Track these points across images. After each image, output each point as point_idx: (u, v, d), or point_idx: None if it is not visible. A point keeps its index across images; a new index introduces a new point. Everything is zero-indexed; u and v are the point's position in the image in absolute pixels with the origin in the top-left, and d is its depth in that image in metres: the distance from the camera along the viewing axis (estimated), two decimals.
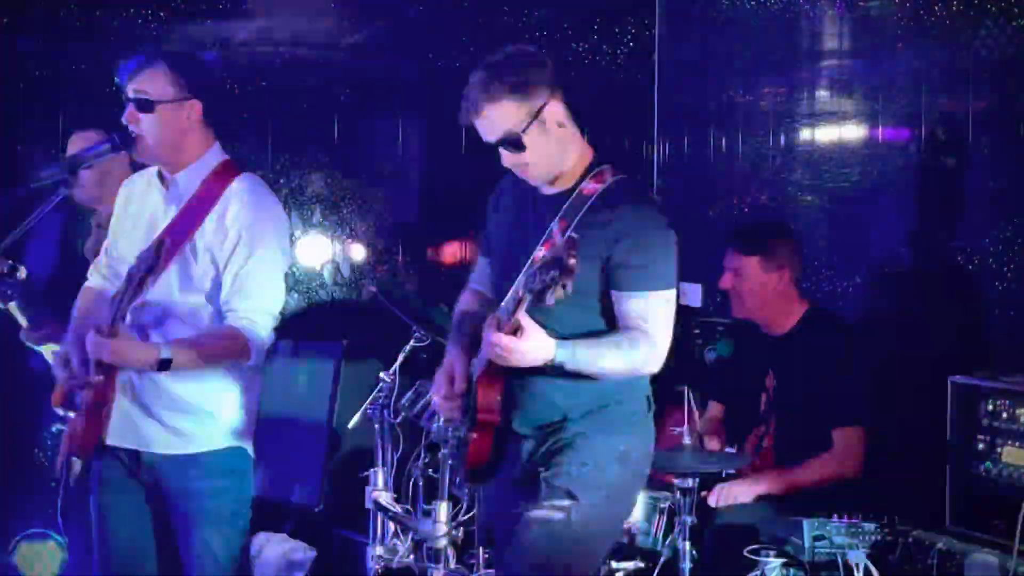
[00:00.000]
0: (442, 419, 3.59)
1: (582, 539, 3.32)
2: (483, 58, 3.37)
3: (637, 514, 4.18)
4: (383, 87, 6.14)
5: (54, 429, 3.85)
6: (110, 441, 3.67)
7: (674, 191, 5.89)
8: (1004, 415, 3.81)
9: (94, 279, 3.90)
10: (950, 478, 3.92)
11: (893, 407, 4.44)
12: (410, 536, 4.28)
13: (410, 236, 6.20)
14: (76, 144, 4.59)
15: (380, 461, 4.50)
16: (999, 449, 3.80)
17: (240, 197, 3.65)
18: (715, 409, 4.75)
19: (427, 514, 4.15)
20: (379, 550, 4.41)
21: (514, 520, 3.37)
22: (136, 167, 3.95)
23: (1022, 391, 3.78)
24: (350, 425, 4.64)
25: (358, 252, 6.07)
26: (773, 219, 4.92)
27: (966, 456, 3.88)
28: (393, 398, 4.48)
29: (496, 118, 3.31)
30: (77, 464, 3.64)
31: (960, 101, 4.60)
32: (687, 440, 4.13)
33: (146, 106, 3.60)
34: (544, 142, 3.33)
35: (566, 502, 3.30)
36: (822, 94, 5.27)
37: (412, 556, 4.30)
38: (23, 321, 4.51)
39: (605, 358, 3.29)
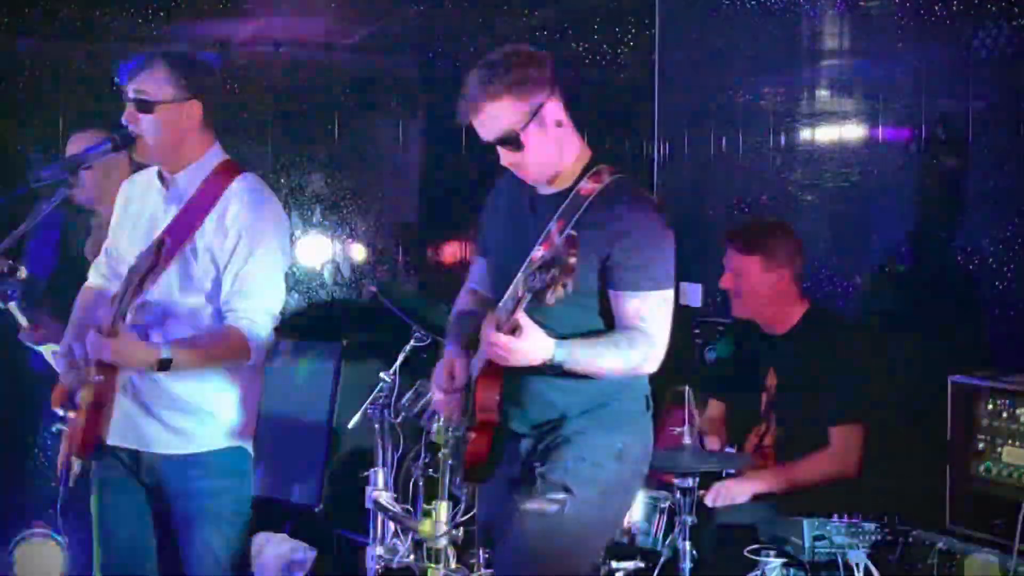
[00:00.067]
0: (442, 418, 3.59)
1: (576, 533, 3.32)
2: (482, 57, 3.37)
3: (637, 514, 4.18)
4: (383, 87, 6.14)
5: (54, 429, 3.85)
6: (110, 441, 3.67)
7: (674, 191, 5.89)
8: (1004, 415, 3.81)
9: (94, 279, 3.90)
10: (950, 478, 3.92)
11: (893, 407, 4.44)
12: (410, 536, 4.28)
13: (410, 236, 6.20)
14: (76, 144, 4.58)
15: (380, 461, 4.50)
16: (999, 449, 3.80)
17: (240, 197, 3.65)
18: (716, 408, 4.75)
19: (427, 514, 4.15)
20: (379, 550, 4.40)
21: (511, 520, 3.37)
22: (136, 167, 3.94)
23: (1022, 391, 3.78)
24: (350, 425, 4.64)
25: (358, 252, 6.07)
26: (774, 219, 4.91)
27: (966, 456, 3.88)
28: (393, 398, 4.48)
29: (495, 116, 3.31)
30: (77, 464, 3.64)
31: (960, 101, 4.60)
32: (687, 440, 4.13)
33: (146, 106, 3.60)
34: (543, 141, 3.34)
35: (561, 495, 3.30)
36: (822, 94, 5.27)
37: (412, 556, 4.30)
38: (23, 321, 4.51)
39: (604, 357, 3.29)
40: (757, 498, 4.29)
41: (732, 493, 4.26)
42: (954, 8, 4.57)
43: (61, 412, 3.87)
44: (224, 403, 3.67)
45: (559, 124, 3.36)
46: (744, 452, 4.49)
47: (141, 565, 3.72)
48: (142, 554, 3.73)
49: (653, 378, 3.46)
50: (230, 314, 3.61)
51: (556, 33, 6.05)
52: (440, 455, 3.84)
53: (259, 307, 3.62)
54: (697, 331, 5.38)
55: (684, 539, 3.96)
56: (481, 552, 3.96)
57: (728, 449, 4.52)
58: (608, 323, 3.35)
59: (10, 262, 4.24)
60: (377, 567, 4.38)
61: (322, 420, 5.26)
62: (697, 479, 4.01)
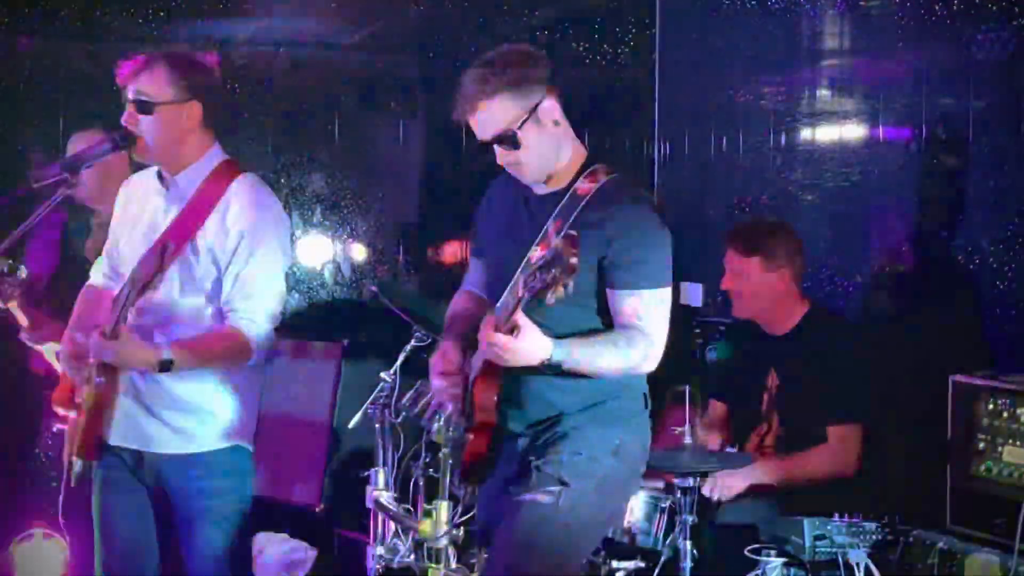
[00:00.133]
0: (441, 413, 3.58)
1: (570, 525, 3.32)
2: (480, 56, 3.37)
3: (637, 513, 4.18)
4: (383, 87, 6.14)
5: (55, 429, 3.85)
6: (112, 441, 3.67)
7: (674, 191, 5.89)
8: (1005, 414, 3.81)
9: (95, 278, 3.90)
10: (951, 477, 3.92)
11: (894, 406, 4.44)
12: (411, 536, 4.28)
13: (410, 236, 6.20)
14: (76, 144, 4.59)
15: (381, 461, 4.50)
16: (1000, 448, 3.80)
17: (241, 197, 3.65)
18: (718, 408, 4.74)
19: (427, 514, 4.15)
20: (380, 550, 4.40)
21: (506, 514, 3.37)
22: (136, 167, 3.94)
23: (1023, 390, 3.78)
24: (351, 425, 4.64)
25: (358, 252, 6.07)
26: (774, 219, 4.91)
27: (967, 455, 3.88)
28: (394, 398, 4.48)
29: (492, 115, 3.31)
30: (78, 464, 3.64)
31: (961, 100, 4.60)
32: (687, 440, 4.13)
33: (146, 107, 3.60)
34: (540, 140, 3.34)
35: (556, 488, 3.30)
36: (823, 93, 5.27)
37: (413, 556, 4.30)
38: (23, 321, 4.50)
39: (602, 357, 3.29)
40: (756, 493, 4.29)
41: (729, 484, 4.25)
42: (954, 8, 4.57)
43: (61, 412, 3.88)
44: (225, 403, 3.67)
45: (556, 123, 3.36)
46: (745, 452, 4.48)
47: (142, 565, 3.73)
48: (143, 554, 3.73)
49: (653, 378, 3.46)
50: (231, 314, 3.61)
51: (556, 33, 6.05)
52: (440, 455, 3.84)
53: (260, 307, 3.62)
54: (698, 331, 5.38)
55: (685, 539, 3.96)
56: (481, 552, 3.96)
57: (729, 449, 4.52)
58: (606, 322, 3.36)
59: (10, 262, 4.25)
60: (377, 567, 4.38)
61: (323, 420, 5.25)
62: (698, 479, 4.01)
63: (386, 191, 6.20)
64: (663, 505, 4.17)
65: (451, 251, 6.16)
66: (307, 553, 5.21)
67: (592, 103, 5.91)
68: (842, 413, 4.30)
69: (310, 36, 6.08)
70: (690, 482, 3.97)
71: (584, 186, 3.36)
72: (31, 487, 5.22)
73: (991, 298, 4.46)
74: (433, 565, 3.97)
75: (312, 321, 5.88)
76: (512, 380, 3.34)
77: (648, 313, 3.31)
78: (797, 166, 5.28)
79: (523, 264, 3.29)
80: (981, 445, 3.84)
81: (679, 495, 3.99)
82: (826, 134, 5.19)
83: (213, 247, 3.62)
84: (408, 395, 4.43)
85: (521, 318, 3.15)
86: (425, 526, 3.96)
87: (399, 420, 4.48)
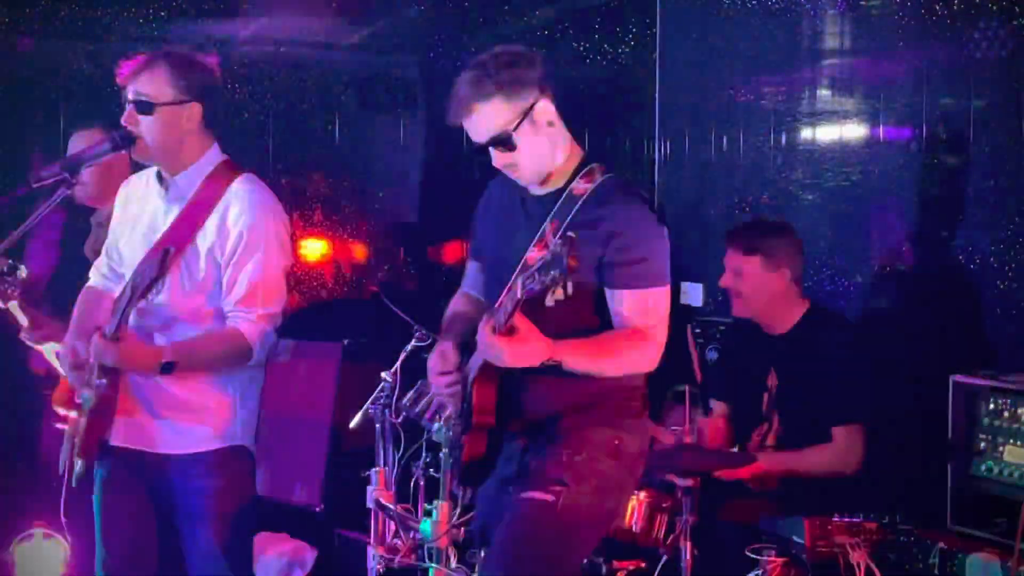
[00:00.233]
0: (443, 414, 3.58)
1: (568, 525, 3.32)
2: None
3: (638, 513, 4.18)
4: (383, 87, 6.14)
5: (55, 428, 3.85)
6: (113, 441, 3.67)
7: (675, 191, 5.89)
8: (1005, 414, 3.81)
9: (95, 279, 3.90)
10: (951, 477, 3.93)
11: (894, 406, 4.44)
12: (411, 536, 4.27)
13: (410, 236, 6.19)
14: (76, 144, 4.58)
15: (381, 461, 4.50)
16: (1000, 448, 3.81)
17: (241, 198, 3.65)
18: (720, 409, 4.74)
19: (428, 514, 4.15)
20: (380, 550, 4.40)
21: (504, 514, 3.37)
22: (136, 166, 3.94)
23: (1023, 390, 3.78)
24: (351, 425, 4.64)
25: (358, 252, 6.07)
26: (774, 218, 4.91)
27: (967, 455, 3.88)
28: (394, 398, 4.48)
29: (486, 117, 3.30)
30: (80, 464, 3.64)
31: (961, 100, 4.60)
32: (688, 440, 4.13)
33: (146, 108, 3.59)
34: (535, 141, 3.32)
35: (556, 487, 3.30)
36: (823, 93, 5.27)
37: (413, 556, 4.29)
38: (23, 321, 4.50)
39: (601, 357, 3.29)
40: (758, 488, 4.29)
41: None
42: (955, 7, 4.57)
43: (62, 412, 3.88)
44: (226, 403, 3.68)
45: (551, 124, 3.34)
46: (746, 452, 4.48)
47: (143, 564, 3.73)
48: (145, 554, 3.73)
49: (653, 378, 3.46)
50: (232, 315, 3.61)
51: (556, 33, 6.05)
52: (440, 455, 3.84)
53: (260, 307, 3.61)
54: (698, 331, 5.38)
55: (685, 539, 3.96)
56: (482, 553, 3.96)
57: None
58: (605, 322, 3.35)
59: (10, 262, 4.25)
60: (378, 567, 4.37)
61: (323, 420, 5.25)
62: (698, 479, 4.01)
63: (386, 191, 6.20)
64: (664, 505, 4.17)
65: (451, 250, 6.16)
66: (307, 553, 5.21)
67: (592, 103, 5.91)
68: (846, 414, 4.30)
69: (310, 36, 6.08)
70: (690, 482, 3.97)
71: (581, 186, 3.35)
72: (31, 487, 5.21)
73: (992, 297, 4.46)
74: (433, 565, 3.96)
75: (312, 321, 5.88)
76: (510, 381, 3.33)
77: (647, 313, 3.31)
78: (797, 166, 5.28)
79: (521, 265, 3.29)
80: (982, 445, 3.85)
81: (679, 495, 3.99)
82: (826, 134, 5.19)
83: (213, 248, 3.62)
84: (408, 395, 4.43)
85: (519, 320, 3.14)
86: (426, 526, 3.96)
87: (399, 420, 4.47)
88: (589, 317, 3.34)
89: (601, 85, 6.01)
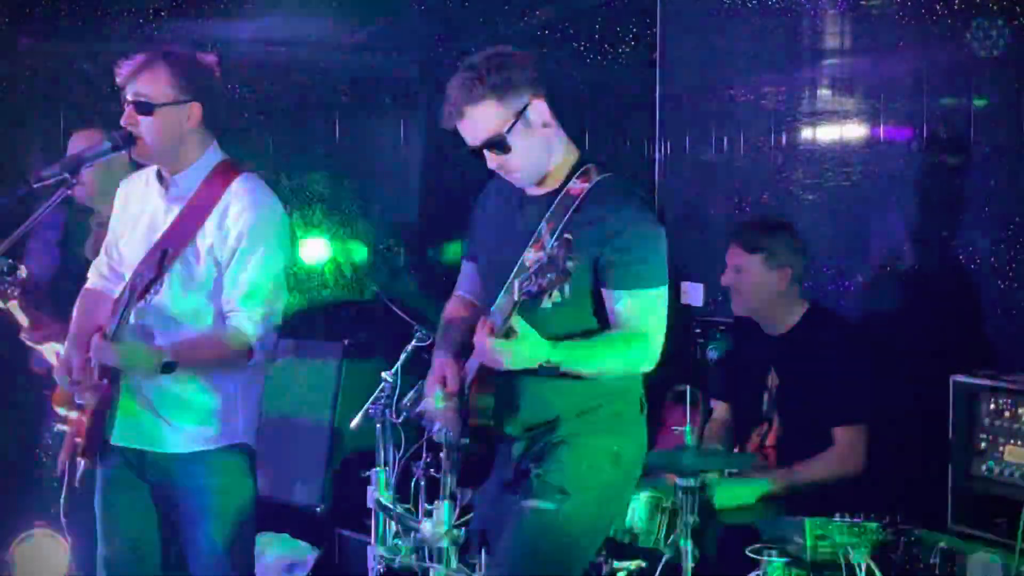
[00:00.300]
0: (435, 427, 3.56)
1: (571, 535, 3.32)
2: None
3: (639, 513, 4.18)
4: (383, 87, 6.14)
5: (55, 429, 3.85)
6: (115, 441, 3.67)
7: (675, 191, 5.89)
8: (1006, 414, 3.81)
9: (94, 279, 3.90)
10: (952, 477, 3.92)
11: (895, 406, 4.44)
12: (412, 536, 4.27)
13: (411, 236, 6.19)
14: (76, 144, 4.58)
15: (382, 461, 4.50)
16: (1001, 448, 3.80)
17: (241, 197, 3.64)
18: (721, 409, 4.74)
19: (428, 514, 4.14)
20: (381, 550, 4.40)
21: (506, 521, 3.36)
22: (136, 167, 3.94)
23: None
24: (352, 425, 4.63)
25: (359, 252, 6.06)
26: (777, 217, 4.91)
27: (968, 455, 3.88)
28: (395, 398, 4.48)
29: (479, 120, 3.29)
30: (82, 464, 3.64)
31: (961, 100, 4.60)
32: (688, 440, 4.12)
33: (145, 109, 3.59)
34: (529, 142, 3.31)
35: (558, 497, 3.29)
36: (823, 93, 5.27)
37: (414, 556, 4.29)
38: (23, 321, 4.50)
39: (599, 358, 3.28)
40: (763, 500, 4.29)
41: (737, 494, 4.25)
42: (955, 7, 4.57)
43: (62, 412, 3.87)
44: (228, 402, 3.68)
45: (545, 124, 3.33)
46: (746, 452, 4.48)
47: (145, 564, 3.73)
48: (146, 553, 3.73)
49: (653, 378, 3.46)
50: (232, 314, 3.61)
51: (556, 33, 6.04)
52: (441, 455, 3.84)
53: (261, 307, 3.61)
54: (698, 331, 5.38)
55: (686, 539, 3.95)
56: (483, 553, 3.96)
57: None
58: (603, 322, 3.34)
59: (10, 262, 4.25)
60: (379, 567, 4.37)
61: (324, 420, 5.25)
62: (699, 479, 4.00)
63: (386, 191, 6.20)
64: (665, 505, 4.16)
65: (451, 250, 6.16)
66: (308, 553, 5.20)
67: (592, 103, 5.91)
68: (847, 415, 4.30)
69: (310, 36, 6.07)
70: (692, 482, 3.96)
71: (577, 186, 3.34)
72: (31, 487, 5.21)
73: (992, 297, 4.47)
74: (434, 565, 3.96)
75: (312, 321, 5.88)
76: (508, 383, 3.32)
77: (645, 312, 3.30)
78: (798, 166, 5.28)
79: (518, 267, 3.28)
80: (982, 445, 3.85)
81: (681, 495, 3.99)
82: (827, 134, 5.19)
83: (213, 247, 3.62)
84: (409, 395, 4.42)
85: (516, 322, 3.14)
86: (426, 526, 3.96)
87: (400, 420, 4.47)
88: (587, 318, 3.34)
89: (601, 85, 6.01)
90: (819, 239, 5.06)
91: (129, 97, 3.61)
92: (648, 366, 3.36)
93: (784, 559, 3.90)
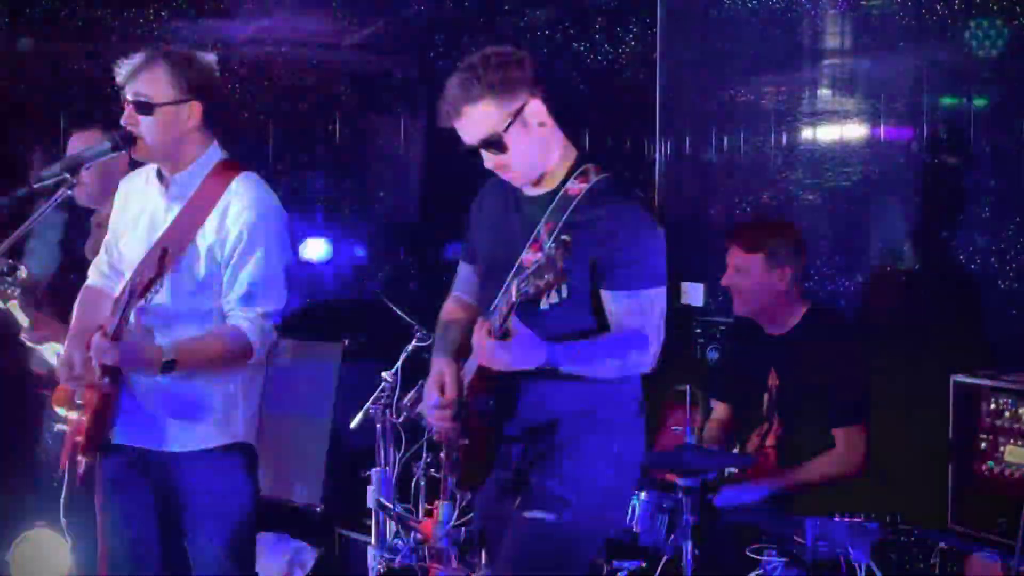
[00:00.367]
0: (434, 430, 3.55)
1: (573, 540, 3.31)
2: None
3: (639, 513, 4.18)
4: (384, 87, 6.15)
5: (55, 429, 3.85)
6: (116, 440, 3.67)
7: (675, 191, 5.89)
8: (1006, 414, 3.81)
9: (94, 277, 3.89)
10: (952, 477, 3.92)
11: (895, 406, 4.44)
12: (412, 536, 4.28)
13: (411, 236, 6.20)
14: (76, 144, 4.58)
15: (382, 461, 4.50)
16: (1001, 448, 3.80)
17: (240, 196, 3.64)
18: (721, 410, 4.74)
19: (428, 514, 4.15)
20: (381, 550, 4.40)
21: (506, 523, 3.36)
22: (136, 166, 3.94)
23: None
24: (352, 425, 4.64)
25: (358, 252, 6.07)
26: (778, 217, 4.92)
27: (968, 455, 3.88)
28: (395, 398, 4.48)
29: (476, 119, 3.28)
30: (83, 464, 3.64)
31: (961, 100, 4.60)
32: (689, 440, 4.12)
33: (145, 108, 3.58)
34: (527, 142, 3.30)
35: (559, 506, 3.29)
36: (824, 93, 5.27)
37: (414, 556, 4.29)
38: (23, 321, 4.50)
39: (598, 359, 3.27)
40: (764, 500, 4.29)
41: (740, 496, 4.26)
42: (955, 7, 4.57)
43: (63, 412, 3.87)
44: (228, 401, 3.67)
45: (542, 124, 3.32)
46: (746, 452, 4.48)
47: (146, 563, 3.72)
48: (147, 552, 3.72)
49: (653, 378, 3.46)
50: (232, 313, 3.61)
51: (556, 33, 6.05)
52: (441, 455, 3.84)
53: (261, 306, 3.61)
54: (698, 331, 5.38)
55: (686, 539, 3.96)
56: (483, 553, 3.96)
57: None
58: (602, 323, 3.32)
59: (10, 262, 4.24)
60: (379, 567, 4.38)
61: (324, 420, 5.25)
62: (700, 479, 4.01)
63: (386, 191, 6.20)
64: (665, 505, 4.16)
65: (451, 250, 6.16)
66: (308, 553, 5.20)
67: (592, 103, 5.91)
68: (848, 415, 4.30)
69: (310, 36, 6.08)
70: (692, 482, 3.97)
71: (575, 187, 3.33)
72: (31, 487, 5.21)
73: (993, 297, 4.47)
74: (434, 565, 3.97)
75: (312, 321, 5.88)
76: (507, 384, 3.31)
77: (643, 313, 3.28)
78: (798, 166, 5.28)
79: (516, 267, 3.27)
80: (983, 444, 3.84)
81: (681, 495, 3.99)
82: (827, 134, 5.20)
83: (213, 246, 3.62)
84: (409, 395, 4.44)
85: (515, 323, 3.13)
86: (426, 526, 3.97)
87: (400, 420, 4.48)
88: (585, 319, 3.32)
89: (601, 85, 6.01)
90: (819, 239, 5.06)
91: (129, 97, 3.61)
92: (647, 367, 3.35)
93: (784, 559, 3.91)
